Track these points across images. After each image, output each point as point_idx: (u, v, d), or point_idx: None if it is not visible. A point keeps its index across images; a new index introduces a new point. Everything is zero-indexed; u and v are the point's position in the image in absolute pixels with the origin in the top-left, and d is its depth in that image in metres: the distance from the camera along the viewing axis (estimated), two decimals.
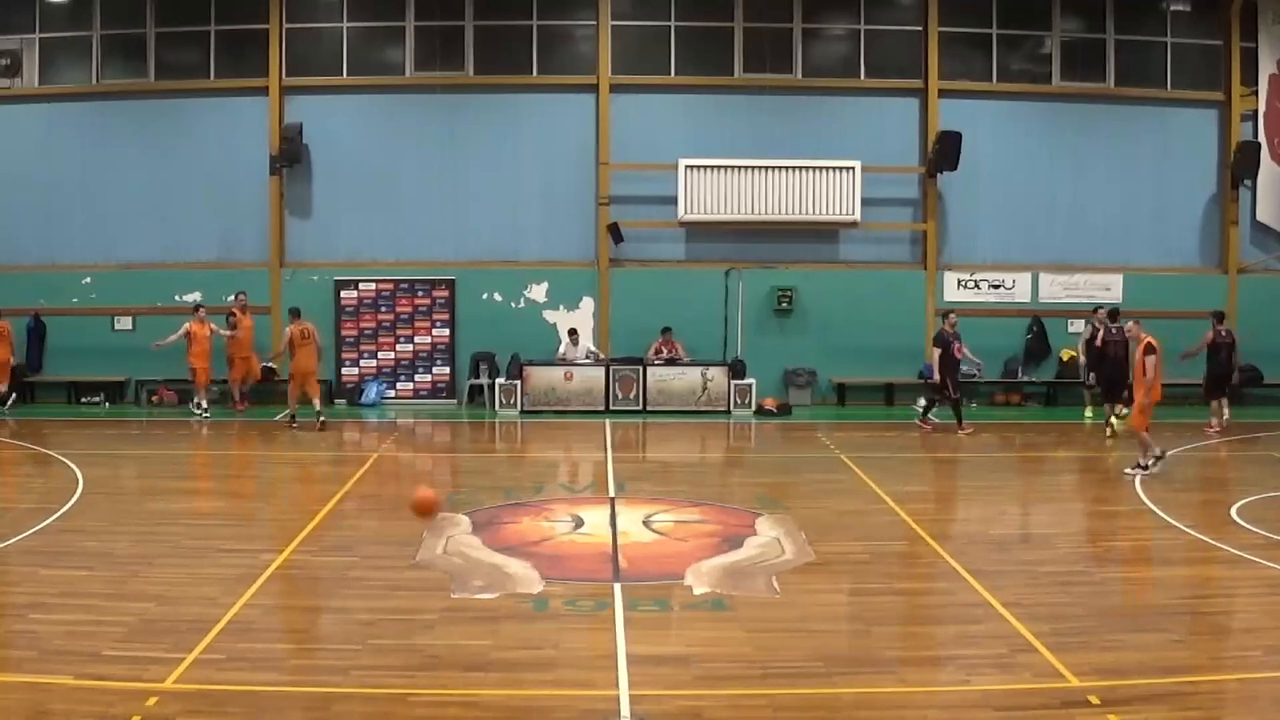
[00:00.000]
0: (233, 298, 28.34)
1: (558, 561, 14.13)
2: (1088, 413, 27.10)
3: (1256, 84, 30.42)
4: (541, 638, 11.21)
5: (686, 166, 29.19)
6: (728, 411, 27.99)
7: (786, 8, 29.98)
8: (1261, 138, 30.28)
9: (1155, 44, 30.51)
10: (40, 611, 11.81)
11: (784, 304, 29.59)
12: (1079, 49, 30.45)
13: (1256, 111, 30.50)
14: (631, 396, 28.12)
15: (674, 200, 29.26)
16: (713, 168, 29.21)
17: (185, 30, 29.80)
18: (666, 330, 28.80)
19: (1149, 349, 19.89)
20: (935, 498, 19.07)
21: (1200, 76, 30.56)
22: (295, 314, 25.95)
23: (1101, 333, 25.39)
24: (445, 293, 29.79)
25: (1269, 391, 30.17)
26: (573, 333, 29.08)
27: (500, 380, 28.36)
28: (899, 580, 13.85)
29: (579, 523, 16.34)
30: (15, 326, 28.87)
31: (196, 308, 27.40)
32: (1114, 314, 25.54)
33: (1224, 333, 25.72)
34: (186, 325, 26.94)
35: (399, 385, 29.96)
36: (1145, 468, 19.51)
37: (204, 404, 26.95)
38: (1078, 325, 28.75)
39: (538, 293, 29.90)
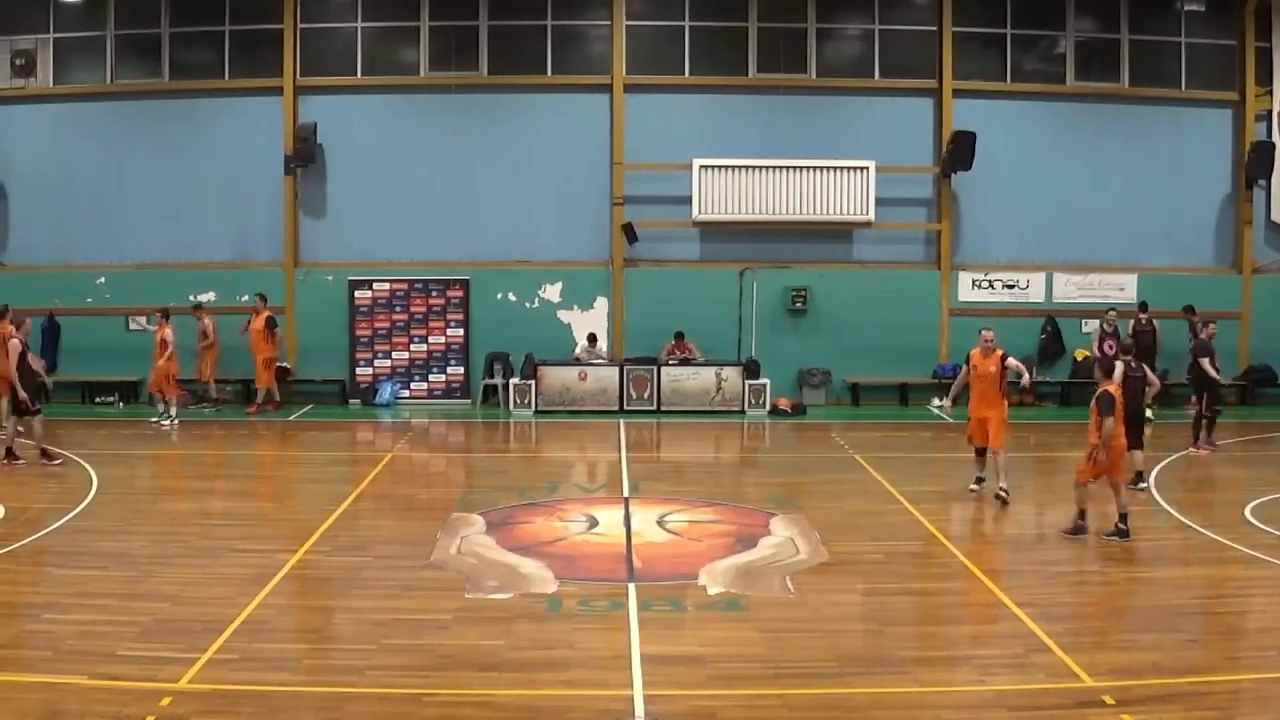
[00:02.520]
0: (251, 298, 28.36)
1: (572, 562, 14.16)
2: None
3: (1271, 84, 30.27)
4: (555, 638, 11.23)
5: (701, 166, 29.15)
6: (742, 411, 27.96)
7: (801, 8, 29.93)
8: (1276, 138, 30.11)
9: (1170, 44, 30.41)
10: (55, 611, 11.87)
11: (798, 304, 29.54)
12: (1093, 49, 30.38)
13: (1271, 111, 30.35)
14: (646, 396, 28.11)
15: (688, 200, 29.23)
16: (727, 168, 29.18)
17: (199, 30, 29.83)
18: (679, 335, 28.76)
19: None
20: (949, 498, 19.02)
21: (1215, 77, 30.46)
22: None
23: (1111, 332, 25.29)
24: (459, 293, 29.78)
25: None
26: (592, 338, 29.11)
27: (514, 380, 28.34)
28: (913, 580, 13.85)
29: (593, 523, 16.36)
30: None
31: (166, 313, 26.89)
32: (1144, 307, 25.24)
33: (1134, 365, 20.49)
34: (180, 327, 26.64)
35: (413, 385, 29.92)
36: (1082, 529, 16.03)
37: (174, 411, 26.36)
38: (1091, 325, 28.70)
39: (552, 293, 29.90)
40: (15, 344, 20.71)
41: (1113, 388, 15.80)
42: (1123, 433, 15.86)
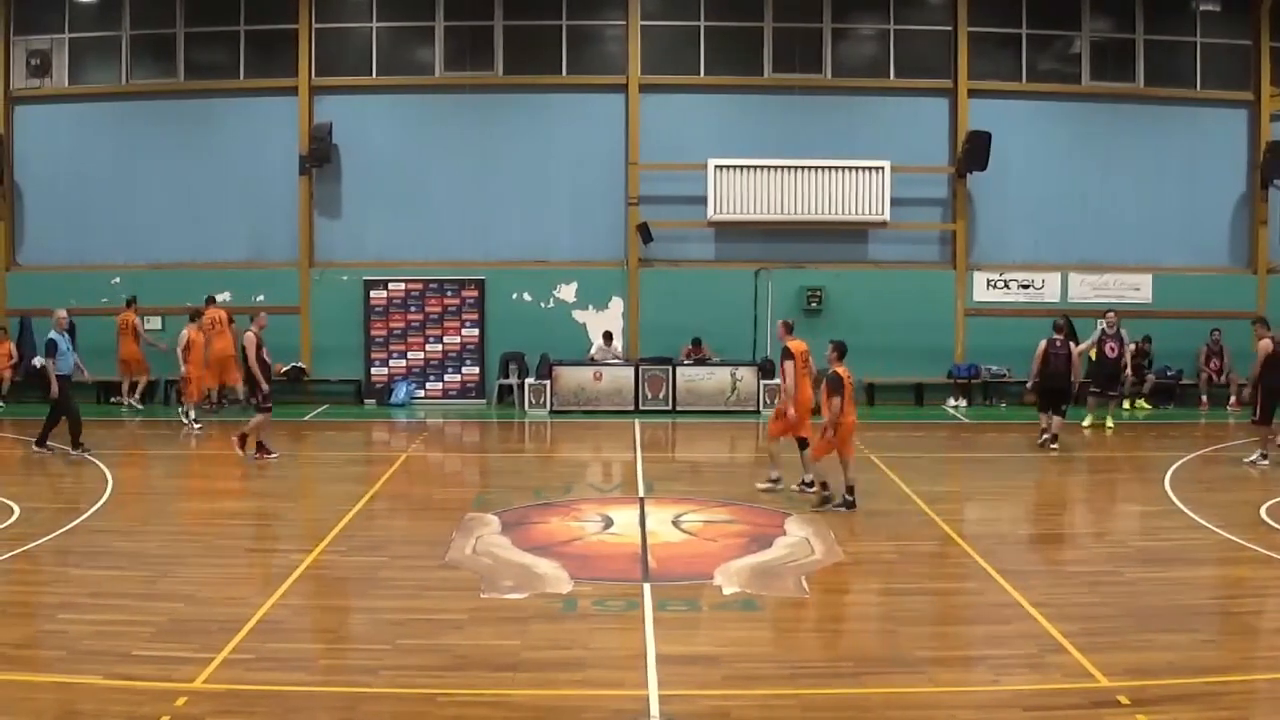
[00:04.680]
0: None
1: (587, 561, 14.16)
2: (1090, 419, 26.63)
3: None
4: (571, 638, 11.22)
5: (716, 166, 29.18)
6: (757, 411, 27.90)
7: (816, 8, 29.92)
8: None
9: (1185, 44, 30.36)
10: (70, 611, 11.88)
11: (813, 304, 29.52)
12: (1108, 49, 30.33)
13: None
14: (661, 396, 28.11)
15: (703, 200, 29.25)
16: (742, 168, 29.19)
17: (214, 30, 29.93)
18: (697, 341, 28.76)
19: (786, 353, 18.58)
20: (964, 497, 19.02)
21: (1230, 76, 30.40)
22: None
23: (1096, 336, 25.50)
24: (475, 293, 29.81)
25: None
26: (608, 336, 29.11)
27: (529, 380, 28.35)
28: (928, 580, 13.82)
29: (608, 523, 16.36)
30: (40, 327, 29.10)
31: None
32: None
33: (1058, 342, 23.75)
34: (184, 331, 26.49)
35: (428, 385, 29.97)
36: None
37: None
38: (1115, 325, 28.71)
39: (567, 293, 29.92)
40: (251, 337, 21.19)
41: (841, 370, 17.17)
42: (851, 411, 17.23)
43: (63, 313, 22.61)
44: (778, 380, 19.74)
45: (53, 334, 21.88)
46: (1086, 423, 25.67)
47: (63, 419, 21.73)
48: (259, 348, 21.09)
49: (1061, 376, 23.39)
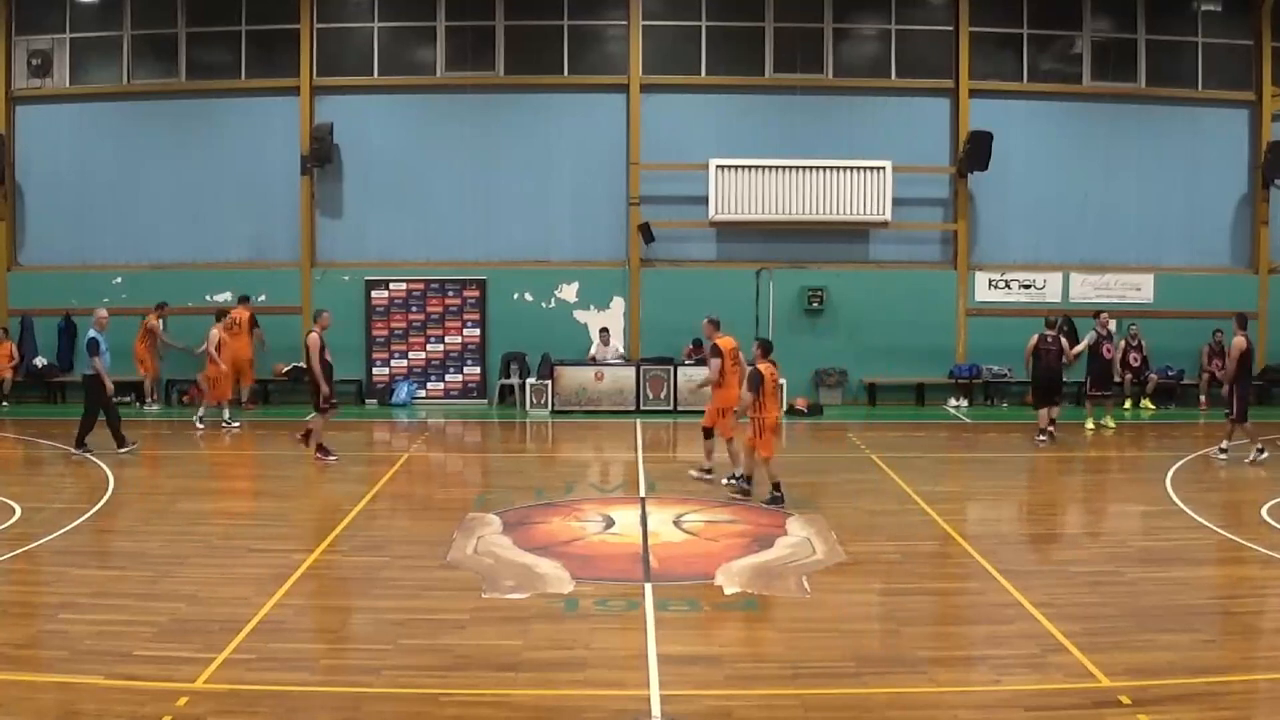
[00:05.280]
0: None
1: (588, 561, 14.17)
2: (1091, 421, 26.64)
3: None
4: (572, 638, 11.23)
5: (717, 166, 29.18)
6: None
7: (817, 8, 29.93)
8: None
9: (1186, 44, 30.36)
10: (72, 611, 11.90)
11: (814, 304, 29.54)
12: (1110, 49, 30.33)
13: None
14: (662, 396, 28.13)
15: (705, 200, 29.26)
16: (743, 168, 29.19)
17: (216, 30, 29.95)
18: (697, 342, 28.75)
19: (715, 350, 19.50)
20: (966, 497, 19.01)
21: (1231, 76, 30.40)
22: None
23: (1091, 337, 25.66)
24: (476, 293, 29.82)
25: None
26: (604, 332, 29.11)
27: (531, 380, 28.38)
28: (930, 580, 13.85)
29: (609, 523, 16.37)
30: (45, 326, 29.16)
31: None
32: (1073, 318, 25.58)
33: (1049, 338, 24.67)
34: (214, 330, 26.44)
35: (429, 385, 30.00)
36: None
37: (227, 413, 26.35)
38: (1108, 325, 28.74)
39: (568, 293, 29.93)
40: (314, 338, 21.19)
41: (763, 367, 17.62)
42: (774, 408, 17.88)
43: (103, 312, 22.71)
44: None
45: (94, 333, 21.94)
46: (1089, 425, 25.65)
47: (89, 418, 21.80)
48: (322, 349, 21.05)
49: (1053, 370, 24.37)
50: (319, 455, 21.18)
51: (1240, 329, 21.94)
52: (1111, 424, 25.74)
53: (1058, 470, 21.73)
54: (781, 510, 17.00)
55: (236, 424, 25.39)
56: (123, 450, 21.58)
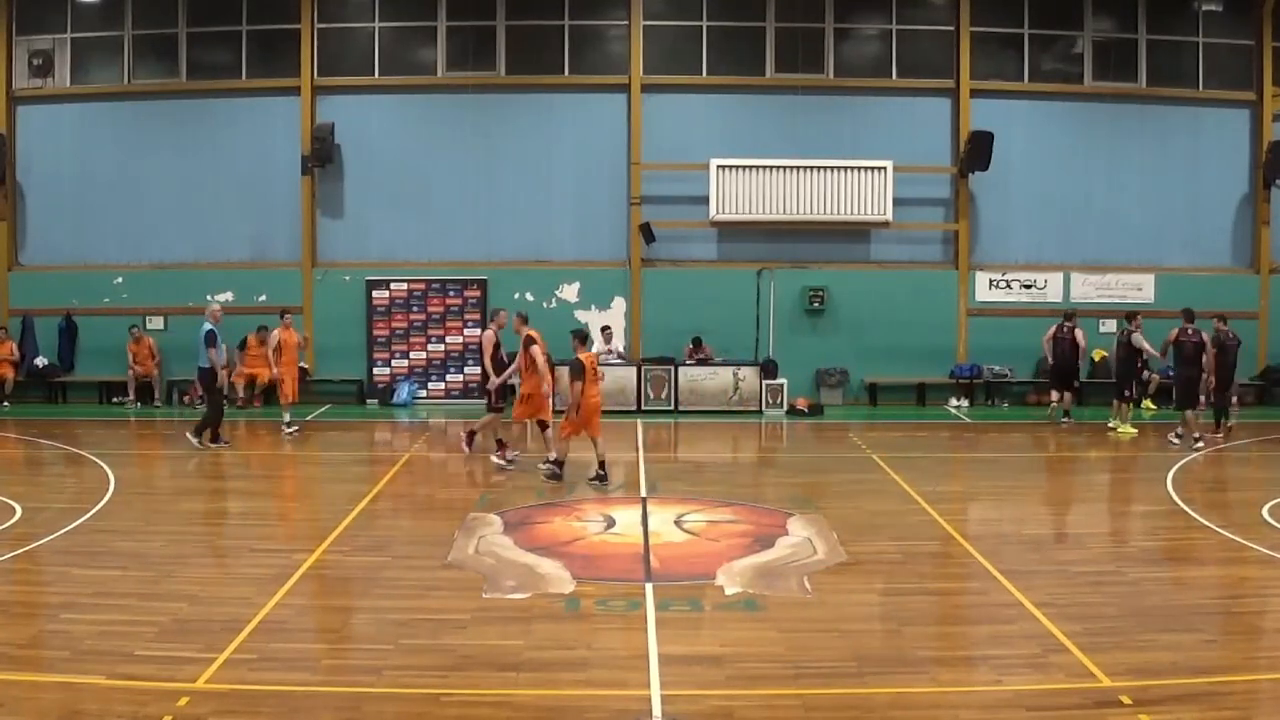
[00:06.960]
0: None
1: (589, 562, 14.17)
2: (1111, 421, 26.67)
3: None
4: (573, 638, 11.23)
5: (718, 166, 29.17)
6: (760, 411, 27.97)
7: (818, 8, 29.93)
8: None
9: (1187, 44, 30.36)
10: (73, 611, 11.89)
11: (816, 304, 29.53)
12: (1111, 49, 30.32)
13: None
14: (663, 396, 28.13)
15: (706, 200, 29.24)
16: (744, 168, 29.18)
17: (217, 30, 29.93)
18: (697, 340, 28.79)
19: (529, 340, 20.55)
20: (967, 497, 19.02)
21: (1232, 76, 30.39)
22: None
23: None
24: (477, 293, 29.81)
25: None
26: (606, 329, 29.09)
27: None
28: (931, 580, 13.84)
29: (611, 523, 16.37)
30: (46, 326, 29.14)
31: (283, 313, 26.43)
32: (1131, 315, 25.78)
33: (1066, 328, 26.34)
34: (274, 332, 25.57)
35: (430, 385, 29.99)
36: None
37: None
38: (1109, 325, 28.75)
39: (569, 293, 29.91)
40: (490, 335, 21.54)
41: (584, 355, 18.98)
42: (594, 393, 19.33)
43: (218, 305, 22.73)
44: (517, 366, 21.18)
45: (210, 325, 21.96)
46: (1126, 427, 25.51)
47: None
48: (496, 347, 21.32)
49: (1067, 359, 26.33)
50: (499, 452, 21.26)
51: (1188, 322, 23.74)
52: (1131, 429, 25.48)
53: (1059, 470, 21.74)
54: (561, 485, 18.81)
55: (295, 428, 25.07)
56: (214, 445, 22.18)
